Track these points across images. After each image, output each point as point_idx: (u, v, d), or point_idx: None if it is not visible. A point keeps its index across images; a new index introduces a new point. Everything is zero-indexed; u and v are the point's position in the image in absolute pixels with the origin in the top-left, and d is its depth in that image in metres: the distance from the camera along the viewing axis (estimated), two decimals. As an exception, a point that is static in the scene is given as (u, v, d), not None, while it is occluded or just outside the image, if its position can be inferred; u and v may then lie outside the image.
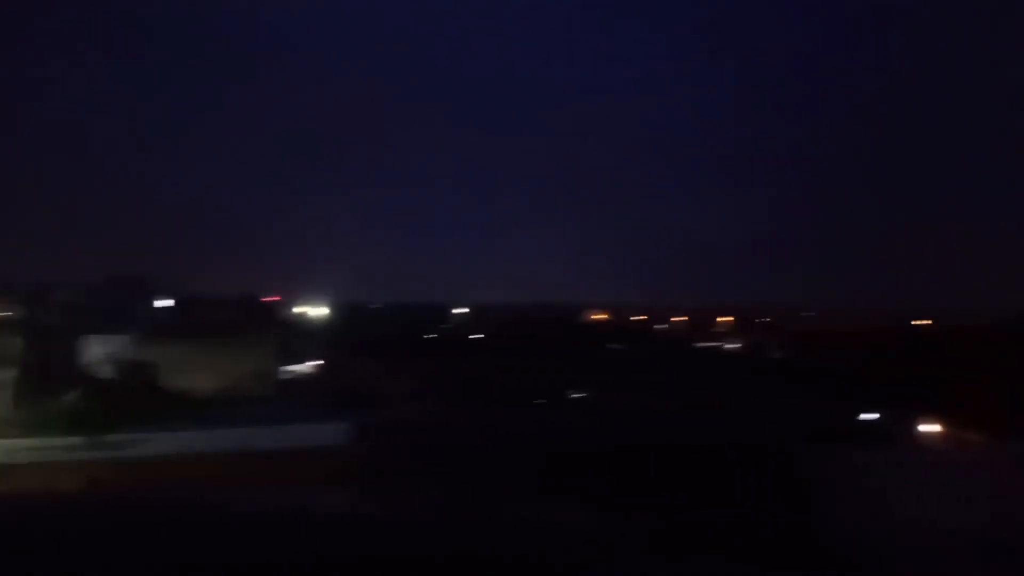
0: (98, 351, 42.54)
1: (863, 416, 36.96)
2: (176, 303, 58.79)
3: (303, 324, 66.79)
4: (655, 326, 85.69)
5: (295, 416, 33.26)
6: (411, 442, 27.37)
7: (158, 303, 57.42)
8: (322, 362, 50.58)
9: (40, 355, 39.83)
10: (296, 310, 72.41)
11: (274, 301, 69.72)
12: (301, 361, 50.29)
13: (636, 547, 17.02)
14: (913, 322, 69.13)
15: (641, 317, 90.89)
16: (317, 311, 73.02)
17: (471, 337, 68.73)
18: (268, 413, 34.18)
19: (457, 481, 22.24)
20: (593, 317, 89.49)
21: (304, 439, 27.71)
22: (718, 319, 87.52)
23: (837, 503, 17.49)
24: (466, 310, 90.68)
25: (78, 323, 45.90)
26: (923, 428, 34.50)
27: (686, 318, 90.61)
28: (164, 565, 12.98)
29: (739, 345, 70.12)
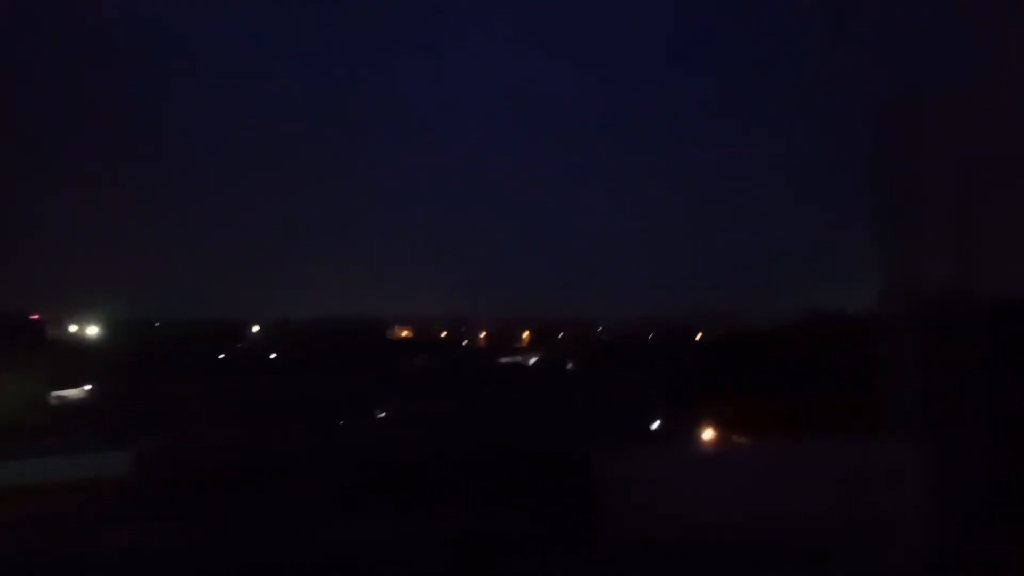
0: None
1: (651, 425, 39.79)
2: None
3: (75, 344, 60.92)
4: (460, 341, 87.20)
5: (68, 446, 30.37)
6: (196, 468, 25.97)
7: None
8: (98, 385, 46.50)
9: None
10: (67, 329, 65.70)
11: (39, 319, 62.74)
12: (74, 385, 45.99)
13: (437, 553, 17.25)
14: (700, 331, 75.50)
15: (444, 332, 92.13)
16: (91, 330, 66.73)
17: (269, 356, 66.01)
18: (37, 444, 30.96)
19: (249, 502, 21.42)
20: (398, 333, 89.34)
21: (78, 470, 25.47)
22: (520, 334, 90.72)
23: (621, 503, 18.68)
24: (261, 327, 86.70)
25: None
26: (700, 433, 37.61)
27: (487, 333, 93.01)
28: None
29: (538, 358, 73.08)
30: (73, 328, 66.27)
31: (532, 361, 71.96)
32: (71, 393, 45.42)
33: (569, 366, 66.73)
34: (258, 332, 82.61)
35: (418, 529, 19.27)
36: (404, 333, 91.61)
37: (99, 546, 19.30)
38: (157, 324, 76.95)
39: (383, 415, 43.20)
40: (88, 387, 46.72)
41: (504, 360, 71.33)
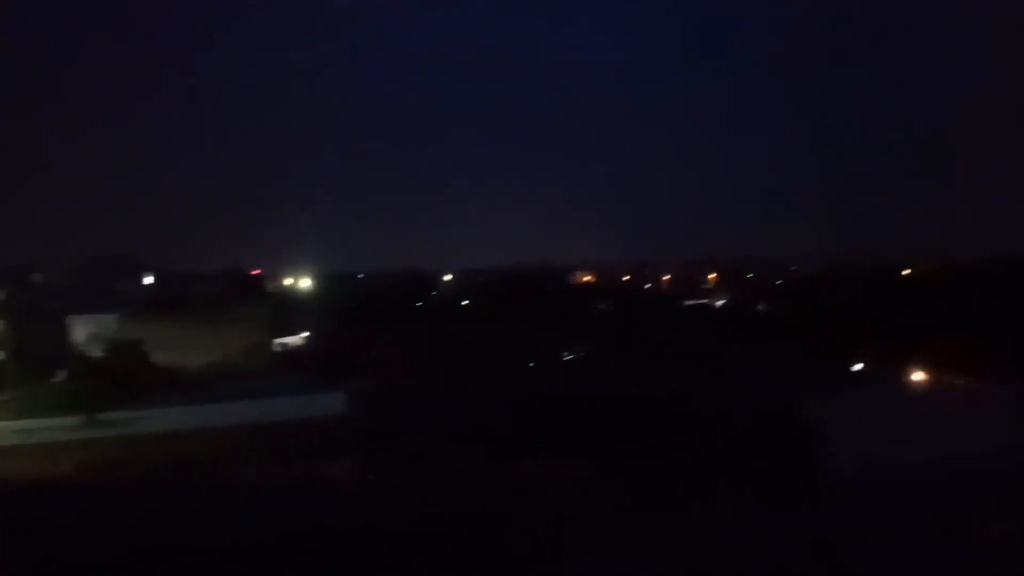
0: (85, 331, 42.23)
1: (853, 367, 37.40)
2: (162, 280, 58.38)
3: (291, 296, 66.54)
4: (643, 285, 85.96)
5: (289, 388, 33.23)
6: (407, 410, 27.51)
7: (144, 280, 57.04)
8: (312, 333, 50.45)
9: (26, 336, 39.54)
10: (283, 282, 72.10)
11: (259, 274, 69.34)
12: (291, 333, 50.14)
13: (620, 503, 17.24)
14: (902, 270, 69.63)
15: (628, 277, 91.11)
16: (304, 282, 72.67)
17: (460, 303, 68.66)
18: (262, 386, 34.08)
19: (450, 446, 22.39)
20: (581, 278, 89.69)
21: (300, 410, 27.60)
22: (706, 276, 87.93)
23: (832, 450, 17.81)
24: (453, 276, 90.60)
25: (63, 303, 45.53)
26: (907, 374, 34.92)
27: (671, 276, 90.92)
28: (177, 543, 13.03)
29: (726, 300, 70.48)
30: (289, 281, 72.68)
31: (720, 303, 69.52)
32: (290, 340, 49.43)
33: (760, 307, 63.64)
34: (450, 281, 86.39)
35: (606, 473, 19.42)
36: (587, 278, 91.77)
37: (323, 477, 21.29)
38: (361, 276, 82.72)
39: (571, 357, 43.65)
40: (305, 335, 50.68)
41: (690, 303, 69.52)
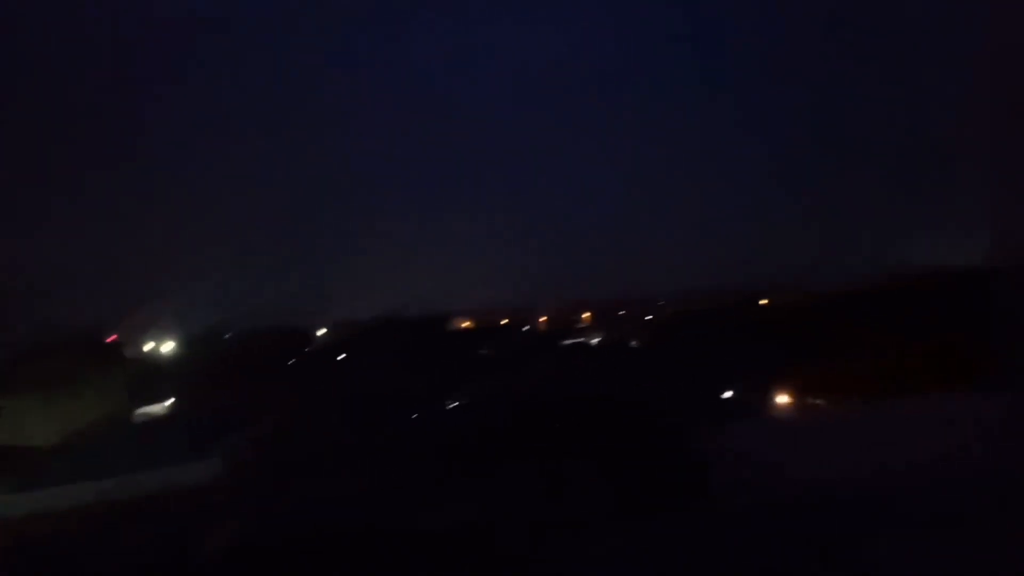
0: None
1: (724, 395, 39.22)
2: (4, 350, 53.55)
3: (152, 362, 62.78)
4: (521, 328, 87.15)
5: (153, 459, 31.31)
6: (284, 471, 26.46)
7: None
8: (178, 400, 47.80)
9: None
10: (142, 347, 67.74)
11: (115, 340, 64.87)
12: (155, 401, 47.35)
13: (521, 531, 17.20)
14: (760, 300, 74.05)
15: (505, 320, 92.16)
16: (166, 346, 68.66)
17: (337, 357, 66.99)
18: (123, 460, 31.98)
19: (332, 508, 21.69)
20: (459, 325, 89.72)
21: (166, 481, 26.15)
22: (580, 316, 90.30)
23: (723, 472, 18.52)
24: (328, 330, 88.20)
25: None
26: (775, 399, 36.96)
27: (547, 318, 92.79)
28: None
29: (601, 338, 72.64)
30: (148, 346, 68.37)
31: (595, 341, 71.52)
32: (154, 409, 46.74)
33: (633, 343, 66.12)
34: (324, 335, 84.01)
35: (504, 508, 19.35)
36: (465, 324, 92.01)
37: (204, 547, 19.93)
38: (228, 335, 79.03)
39: (455, 404, 43.41)
40: (170, 402, 48.02)
41: (567, 342, 71.09)
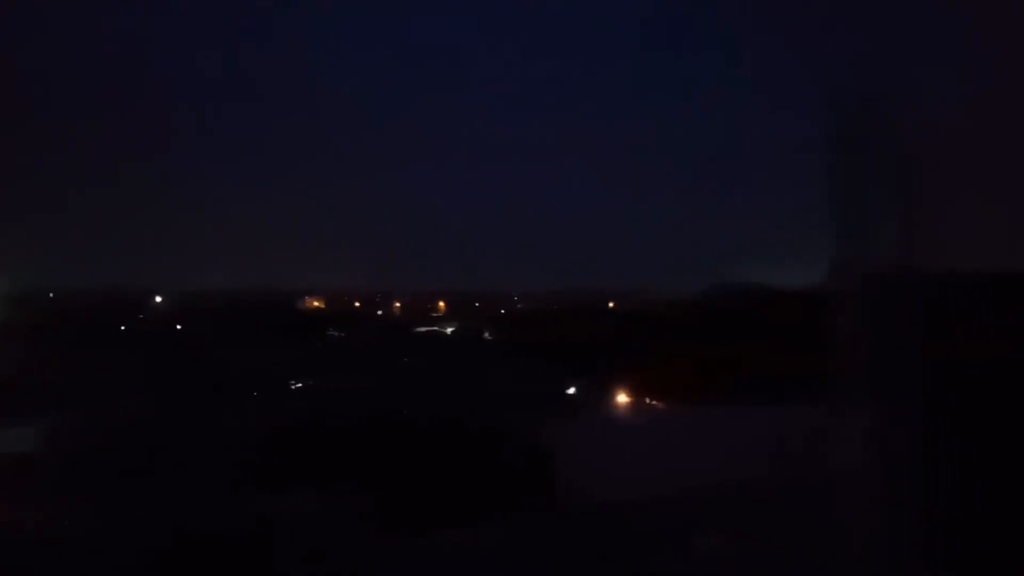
0: None
1: (567, 391, 40.40)
2: None
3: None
4: (376, 312, 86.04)
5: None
6: (110, 443, 24.75)
7: None
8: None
9: None
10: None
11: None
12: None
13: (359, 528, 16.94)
14: (609, 303, 77.03)
15: (359, 304, 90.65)
16: (-25, 300, 62.20)
17: (174, 327, 63.26)
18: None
19: (170, 480, 20.56)
20: (311, 304, 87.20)
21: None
22: (435, 304, 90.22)
23: (551, 471, 18.90)
24: (164, 298, 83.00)
25: None
26: (615, 398, 38.47)
27: (402, 304, 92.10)
28: None
29: (454, 328, 72.95)
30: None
31: (450, 330, 71.78)
32: (-43, 369, 42.07)
33: (486, 335, 66.92)
34: (161, 302, 79.00)
35: (336, 504, 18.99)
36: (316, 304, 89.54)
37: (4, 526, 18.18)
38: (51, 295, 72.59)
39: (298, 386, 42.17)
40: (-23, 362, 43.41)
41: (421, 329, 70.91)
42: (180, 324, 63.94)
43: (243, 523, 17.21)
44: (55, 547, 16.29)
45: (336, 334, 64.25)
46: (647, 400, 38.01)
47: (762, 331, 41.95)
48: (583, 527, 15.64)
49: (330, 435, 24.72)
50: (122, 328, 61.20)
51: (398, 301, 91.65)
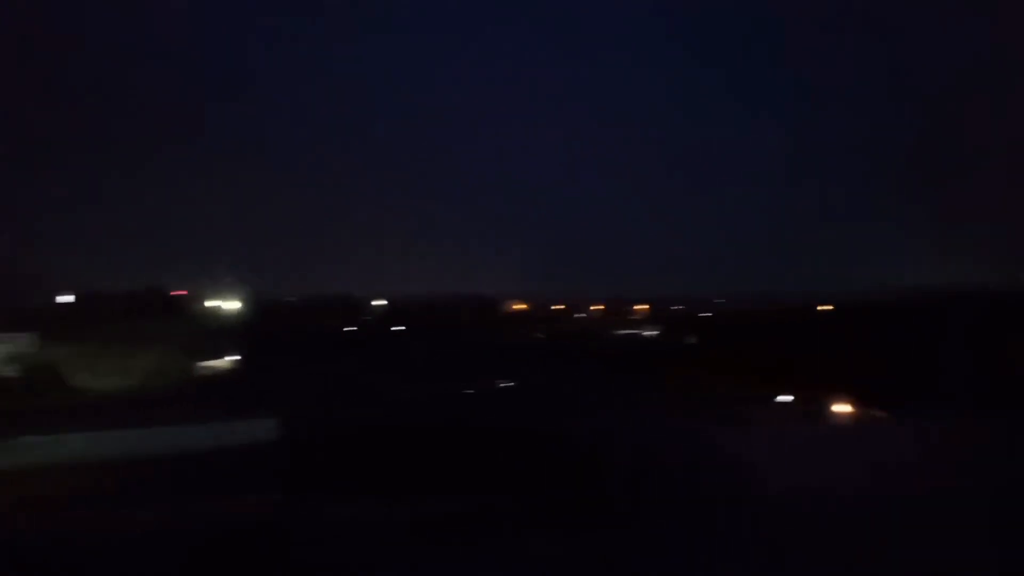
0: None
1: (779, 398, 38.53)
2: (81, 299, 55.92)
3: (217, 318, 64.58)
4: (575, 315, 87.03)
5: (214, 414, 32.14)
6: (336, 437, 26.80)
7: (60, 299, 54.59)
8: (239, 357, 49.05)
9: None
10: (207, 304, 69.77)
11: (184, 295, 67.03)
12: (217, 356, 48.64)
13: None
14: (818, 306, 72.51)
15: (561, 306, 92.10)
16: (230, 305, 70.55)
17: (393, 329, 67.98)
18: (185, 411, 32.93)
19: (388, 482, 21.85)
20: (514, 307, 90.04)
21: (224, 438, 26.55)
22: (635, 307, 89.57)
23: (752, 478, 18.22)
24: (385, 302, 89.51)
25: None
26: (834, 408, 36.13)
27: (604, 307, 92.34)
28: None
29: (656, 332, 71.93)
30: (215, 304, 70.41)
31: (650, 334, 70.91)
32: (216, 364, 47.95)
33: (688, 338, 65.17)
34: (382, 306, 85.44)
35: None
36: (519, 307, 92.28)
37: (243, 511, 20.34)
38: (291, 300, 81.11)
39: (508, 384, 43.64)
40: (231, 359, 49.22)
41: (621, 332, 70.73)
42: (399, 326, 68.72)
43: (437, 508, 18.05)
44: (288, 524, 18.06)
45: (538, 335, 65.88)
46: (867, 408, 35.44)
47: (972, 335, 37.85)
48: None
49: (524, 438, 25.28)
50: (349, 329, 66.91)
51: (597, 304, 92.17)
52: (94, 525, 18.31)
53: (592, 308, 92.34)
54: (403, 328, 66.65)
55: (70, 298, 56.54)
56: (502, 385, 43.61)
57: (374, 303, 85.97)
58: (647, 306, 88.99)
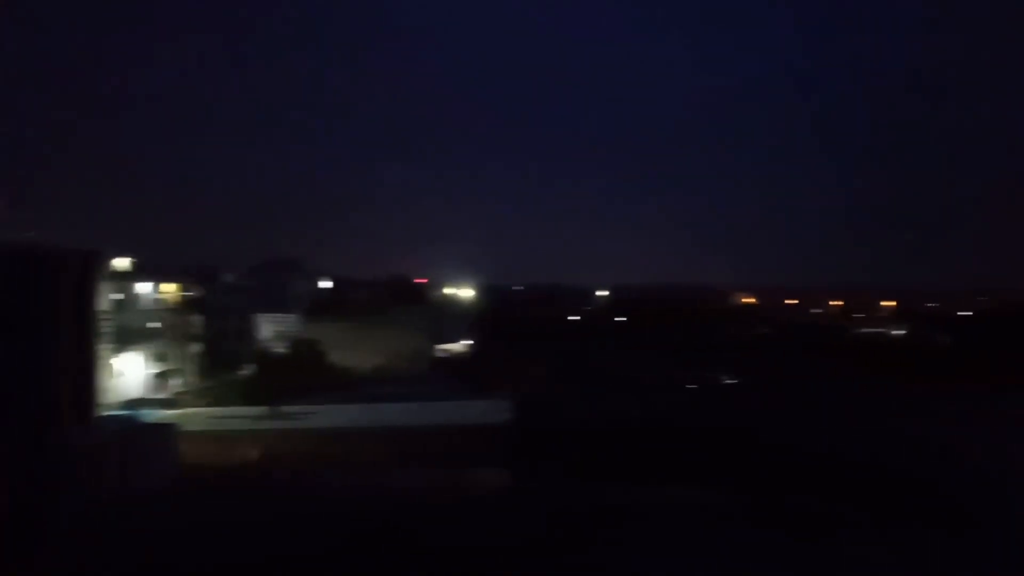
0: (268, 329, 45.51)
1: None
2: (334, 284, 61.72)
3: (453, 305, 68.39)
4: (809, 310, 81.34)
5: (451, 393, 34.35)
6: (563, 421, 27.35)
7: (318, 284, 60.52)
8: (472, 342, 51.56)
9: (219, 332, 43.08)
10: (445, 291, 74.26)
11: (424, 283, 71.91)
12: (452, 340, 51.49)
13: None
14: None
15: (793, 300, 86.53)
16: (465, 292, 74.60)
17: (615, 319, 67.99)
18: (425, 389, 35.48)
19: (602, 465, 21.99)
20: (740, 300, 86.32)
21: (459, 416, 28.62)
22: (880, 303, 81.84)
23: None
24: (607, 292, 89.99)
25: (248, 302, 49.18)
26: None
27: (842, 302, 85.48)
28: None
29: (904, 332, 65.18)
30: (451, 291, 74.95)
31: (896, 333, 64.32)
32: (452, 347, 50.86)
33: (942, 339, 57.65)
34: (604, 296, 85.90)
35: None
36: (747, 300, 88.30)
37: (478, 484, 21.50)
38: (519, 288, 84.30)
39: (732, 382, 41.89)
40: (466, 343, 51.95)
41: (864, 331, 64.89)
42: (621, 316, 68.56)
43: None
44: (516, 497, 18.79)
45: (763, 331, 62.37)
46: None
47: None
48: None
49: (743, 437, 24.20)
50: (572, 318, 67.95)
51: (836, 299, 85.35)
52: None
53: (830, 303, 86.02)
54: (625, 318, 66.40)
55: (328, 283, 62.49)
56: (725, 381, 41.97)
57: (597, 293, 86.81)
58: (894, 302, 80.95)
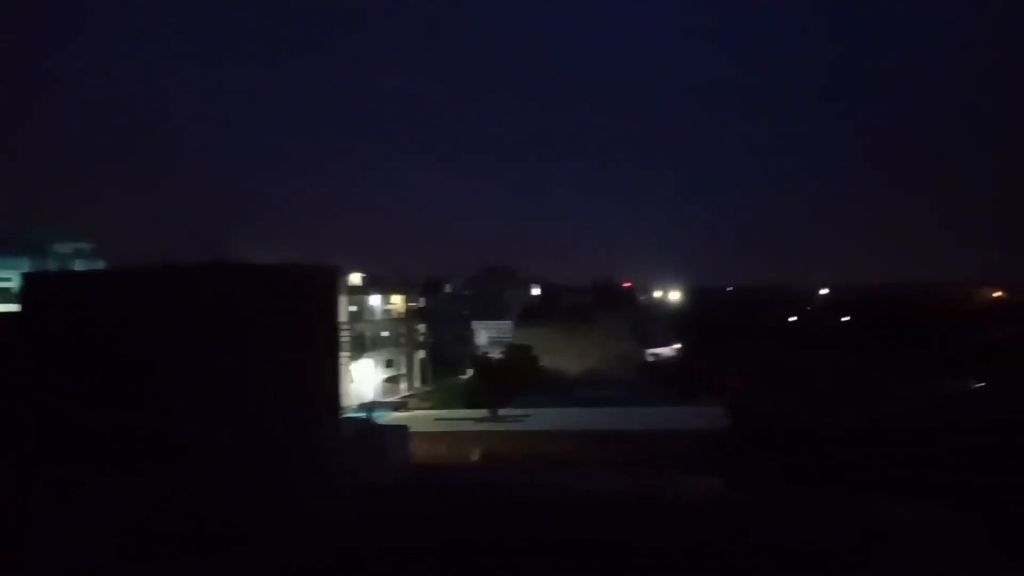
0: (485, 335, 48.01)
1: None
2: (544, 290, 63.44)
3: (660, 309, 67.68)
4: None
5: (661, 399, 34.29)
6: (781, 427, 26.19)
7: (531, 291, 62.54)
8: (681, 346, 50.72)
9: (441, 338, 46.18)
10: (652, 295, 73.65)
11: (630, 287, 71.85)
12: (661, 345, 51.02)
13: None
14: None
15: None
16: (673, 295, 73.49)
17: (838, 320, 63.49)
18: (635, 394, 35.74)
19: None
20: (987, 295, 76.78)
21: (670, 420, 28.72)
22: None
23: None
24: (828, 291, 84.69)
25: (466, 310, 52.13)
26: None
27: (1002, 294, 73.39)
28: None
29: None
30: (658, 294, 74.23)
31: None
32: (661, 351, 50.41)
33: None
34: (826, 296, 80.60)
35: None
36: (995, 295, 78.38)
37: (688, 491, 21.18)
38: (729, 289, 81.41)
39: (979, 385, 37.57)
40: (675, 347, 51.22)
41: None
42: (843, 316, 63.90)
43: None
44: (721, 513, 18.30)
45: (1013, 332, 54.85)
46: None
47: None
48: None
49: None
50: (790, 320, 64.46)
51: (995, 291, 73.27)
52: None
53: (991, 295, 74.18)
54: (849, 318, 61.76)
55: (537, 290, 64.43)
56: (975, 386, 37.71)
57: (819, 292, 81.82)
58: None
